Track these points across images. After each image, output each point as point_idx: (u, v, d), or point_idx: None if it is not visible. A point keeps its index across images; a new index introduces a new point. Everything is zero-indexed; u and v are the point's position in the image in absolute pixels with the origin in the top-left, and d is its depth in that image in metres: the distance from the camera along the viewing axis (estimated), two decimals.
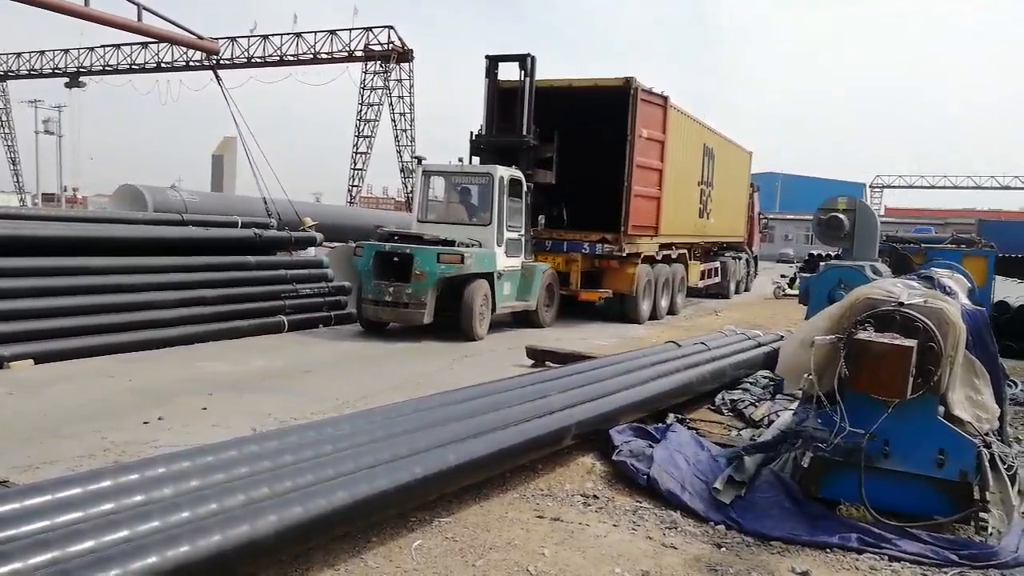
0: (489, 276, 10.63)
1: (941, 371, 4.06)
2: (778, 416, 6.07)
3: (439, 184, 12.05)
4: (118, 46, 39.72)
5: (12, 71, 45.11)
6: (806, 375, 4.19)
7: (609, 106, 12.65)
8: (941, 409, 4.25)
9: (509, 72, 12.36)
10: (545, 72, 12.51)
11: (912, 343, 3.97)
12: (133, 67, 40.35)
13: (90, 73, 42.33)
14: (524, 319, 11.84)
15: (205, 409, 6.14)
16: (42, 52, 43.00)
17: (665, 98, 13.51)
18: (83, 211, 20.41)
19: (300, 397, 6.67)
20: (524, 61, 11.97)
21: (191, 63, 37.41)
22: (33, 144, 52.01)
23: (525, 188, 11.54)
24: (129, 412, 5.92)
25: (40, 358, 7.53)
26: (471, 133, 12.37)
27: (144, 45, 38.30)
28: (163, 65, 39.26)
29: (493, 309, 10.74)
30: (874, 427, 4.07)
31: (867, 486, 4.12)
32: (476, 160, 12.19)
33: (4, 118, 48.72)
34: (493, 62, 12.46)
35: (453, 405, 4.69)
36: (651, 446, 5.03)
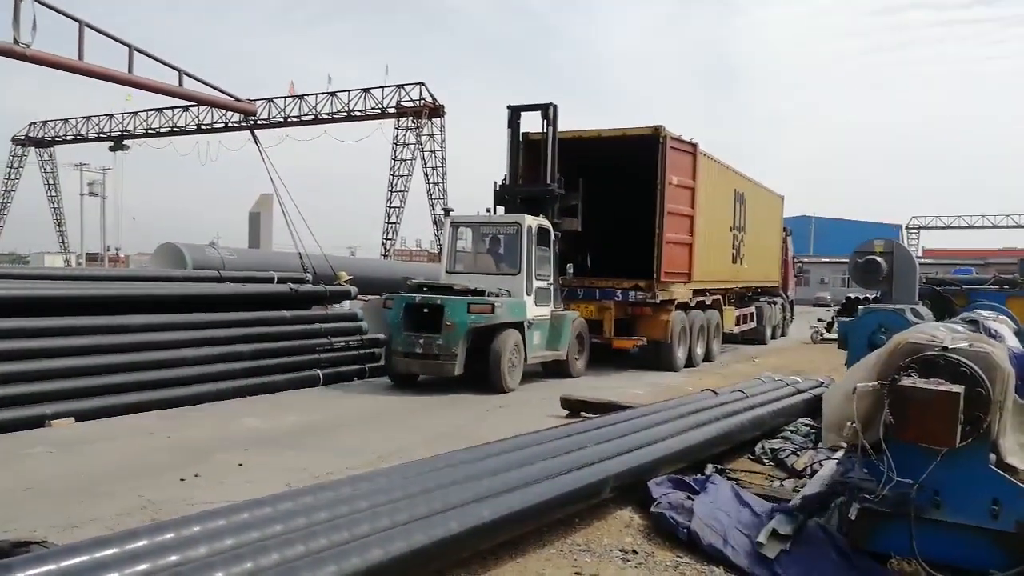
0: (519, 325, 10.55)
1: (991, 417, 3.91)
2: (821, 465, 5.89)
3: (467, 235, 12.12)
4: (160, 110, 41.35)
5: (59, 136, 46.98)
6: (850, 423, 4.07)
7: (638, 154, 12.71)
8: (993, 457, 4.10)
9: (532, 123, 12.49)
10: (569, 123, 12.64)
11: (959, 389, 3.84)
12: (174, 129, 41.90)
13: (133, 136, 43.97)
14: (555, 369, 11.70)
15: (241, 465, 6.15)
16: (88, 117, 44.81)
17: (694, 145, 13.56)
18: (123, 270, 20.93)
19: (335, 452, 6.65)
20: (546, 110, 12.01)
21: (230, 124, 38.56)
22: (78, 206, 53.79)
23: (552, 237, 11.56)
24: (166, 469, 5.95)
25: (81, 416, 7.65)
26: (495, 183, 12.41)
27: (185, 108, 39.73)
28: (203, 127, 40.66)
29: (524, 360, 10.65)
30: (923, 477, 3.93)
31: (918, 538, 3.95)
32: (501, 210, 12.22)
33: (51, 182, 50.48)
34: (515, 112, 12.54)
35: (488, 459, 4.63)
36: (690, 498, 4.91)
